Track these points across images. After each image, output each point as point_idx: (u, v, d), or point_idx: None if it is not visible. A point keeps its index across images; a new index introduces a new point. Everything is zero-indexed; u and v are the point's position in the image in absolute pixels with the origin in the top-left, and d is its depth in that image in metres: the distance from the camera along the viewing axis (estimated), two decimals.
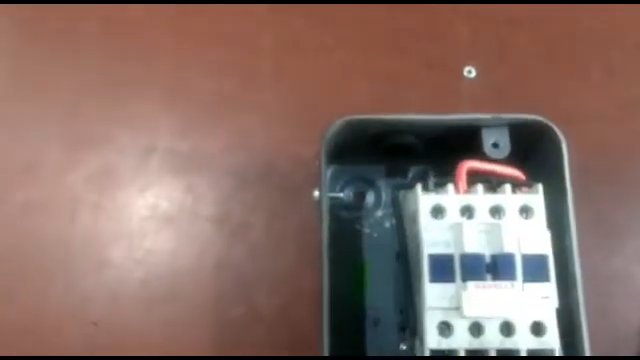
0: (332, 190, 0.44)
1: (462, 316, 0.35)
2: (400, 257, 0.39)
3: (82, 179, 0.49)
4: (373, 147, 0.42)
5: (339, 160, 0.44)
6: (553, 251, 0.36)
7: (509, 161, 0.39)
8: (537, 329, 0.35)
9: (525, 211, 0.36)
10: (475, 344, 0.34)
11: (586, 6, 0.53)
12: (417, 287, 0.36)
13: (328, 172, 0.44)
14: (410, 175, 0.43)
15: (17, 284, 0.47)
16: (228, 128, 0.51)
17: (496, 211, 0.36)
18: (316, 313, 0.37)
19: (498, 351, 0.34)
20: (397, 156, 0.43)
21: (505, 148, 0.40)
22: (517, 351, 0.34)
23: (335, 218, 0.43)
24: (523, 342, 0.34)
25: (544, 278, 0.35)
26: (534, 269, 0.35)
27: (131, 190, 0.50)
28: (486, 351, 0.34)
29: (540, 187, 0.36)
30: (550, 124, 0.39)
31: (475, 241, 0.35)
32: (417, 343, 0.36)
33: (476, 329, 0.35)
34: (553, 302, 0.35)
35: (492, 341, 0.34)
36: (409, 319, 0.37)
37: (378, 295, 0.43)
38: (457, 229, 0.35)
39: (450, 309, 0.35)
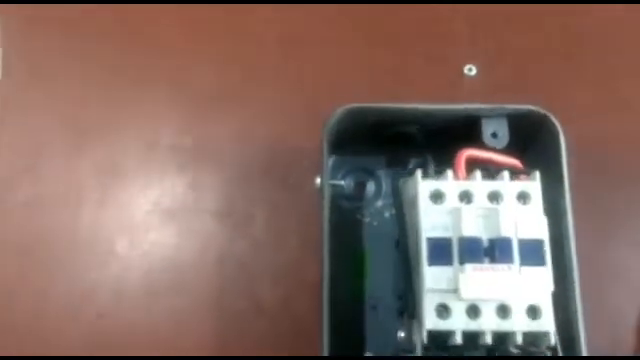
0: (333, 179, 0.45)
1: (459, 298, 0.35)
2: (400, 242, 0.40)
3: (86, 174, 0.50)
4: (374, 137, 0.43)
5: (340, 150, 0.45)
6: (550, 238, 0.37)
7: (508, 151, 0.40)
8: (533, 312, 0.35)
9: (522, 197, 0.37)
10: (472, 326, 0.35)
11: (585, 6, 0.54)
12: (416, 270, 0.37)
13: (329, 162, 0.44)
14: (410, 165, 0.43)
15: (22, 277, 0.48)
16: (230, 123, 0.51)
17: (494, 197, 0.37)
18: (318, 305, 0.38)
19: (494, 333, 0.35)
20: (397, 146, 0.43)
21: (504, 138, 0.40)
22: (513, 333, 0.35)
23: (336, 208, 0.43)
24: (519, 324, 0.35)
25: (540, 262, 0.35)
26: (530, 253, 0.35)
27: (135, 185, 0.50)
28: (482, 333, 0.35)
29: (537, 174, 0.37)
30: (548, 114, 0.40)
31: (473, 225, 0.36)
32: (415, 325, 0.36)
33: (473, 311, 0.35)
34: (549, 286, 0.35)
35: (488, 323, 0.35)
36: (407, 302, 0.37)
37: (377, 282, 0.44)
38: (456, 214, 0.36)
39: (448, 291, 0.35)
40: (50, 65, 0.53)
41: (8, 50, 0.52)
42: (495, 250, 0.35)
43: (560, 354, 0.34)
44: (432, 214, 0.36)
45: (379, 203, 0.45)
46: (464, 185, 0.37)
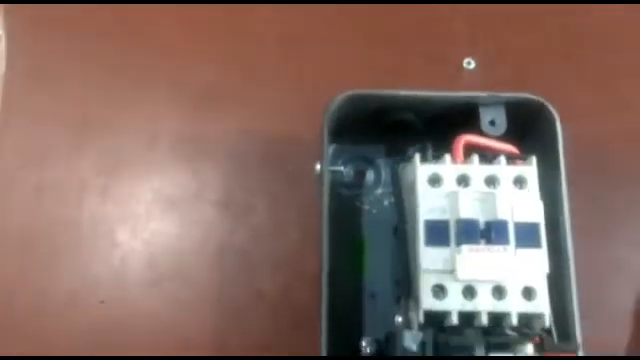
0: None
1: (456, 279, 0.36)
2: (398, 227, 0.40)
3: (90, 164, 0.51)
4: (373, 125, 0.44)
5: (340, 139, 0.45)
6: (546, 224, 0.37)
7: (505, 138, 0.41)
8: (528, 293, 0.36)
9: (519, 182, 0.37)
10: (468, 306, 0.35)
11: (585, 5, 0.54)
12: (413, 252, 0.37)
13: (329, 150, 0.45)
14: (409, 152, 0.44)
15: (26, 266, 0.48)
16: (231, 115, 0.52)
17: (491, 181, 0.37)
18: (318, 293, 0.39)
19: (490, 313, 0.35)
20: (396, 134, 0.44)
21: (502, 125, 0.41)
22: (508, 314, 0.35)
23: (335, 195, 0.44)
24: (514, 305, 0.35)
25: (536, 244, 0.36)
26: (526, 236, 0.36)
27: (137, 175, 0.51)
28: (478, 313, 0.35)
29: (534, 159, 0.37)
30: (545, 102, 0.40)
31: (470, 208, 0.36)
32: (412, 305, 0.37)
33: (469, 292, 0.36)
34: (544, 268, 0.36)
35: (484, 304, 0.35)
36: (405, 285, 0.38)
37: (376, 270, 0.44)
38: (453, 197, 0.37)
39: (444, 272, 0.36)
40: (53, 62, 0.53)
41: (12, 48, 0.53)
42: (491, 232, 0.36)
43: (554, 336, 0.34)
44: (430, 197, 0.37)
45: (378, 191, 0.46)
46: (462, 169, 0.37)
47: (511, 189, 0.37)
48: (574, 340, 0.35)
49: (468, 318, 0.36)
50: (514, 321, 0.35)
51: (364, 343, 0.43)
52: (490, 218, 0.36)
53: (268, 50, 0.54)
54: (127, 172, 0.51)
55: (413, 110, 0.43)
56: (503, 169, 0.37)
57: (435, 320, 0.36)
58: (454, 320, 0.35)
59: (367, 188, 0.46)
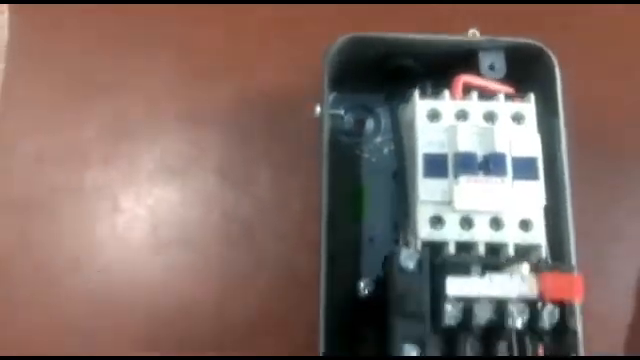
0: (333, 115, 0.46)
1: (453, 210, 0.36)
2: (397, 168, 0.41)
3: (92, 133, 0.51)
4: (373, 71, 0.44)
5: (340, 87, 0.46)
6: (544, 163, 0.38)
7: (504, 83, 0.41)
8: (525, 225, 0.36)
9: (517, 118, 0.38)
10: (465, 236, 0.36)
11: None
12: (411, 186, 0.38)
13: (329, 98, 0.45)
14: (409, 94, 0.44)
15: (28, 230, 0.48)
16: (235, 84, 0.52)
17: (489, 117, 0.38)
18: (320, 263, 0.39)
19: (487, 244, 0.36)
20: (397, 81, 0.44)
21: (501, 70, 0.42)
22: (505, 245, 0.36)
23: (335, 143, 0.44)
24: (511, 236, 0.36)
25: (533, 177, 0.36)
26: (523, 169, 0.37)
27: (139, 144, 0.51)
28: (475, 244, 0.36)
29: (532, 96, 0.38)
30: (544, 47, 0.41)
31: (468, 141, 0.37)
32: (410, 238, 0.37)
33: (466, 223, 0.36)
34: (541, 199, 0.36)
35: (481, 234, 0.36)
36: (403, 220, 0.38)
37: (374, 214, 0.45)
38: (452, 131, 0.37)
39: (442, 203, 0.36)
40: (55, 31, 0.53)
41: (14, 18, 0.53)
42: (489, 164, 0.36)
43: (549, 263, 0.34)
44: (429, 132, 0.37)
45: (378, 139, 0.47)
46: (460, 105, 0.38)
47: (509, 125, 0.38)
48: (569, 263, 0.36)
49: (465, 250, 0.36)
50: (511, 252, 0.36)
51: (362, 284, 0.43)
52: (488, 151, 0.37)
53: (273, 20, 0.53)
54: (129, 141, 0.51)
55: (414, 55, 0.43)
56: (501, 105, 0.38)
57: (432, 254, 0.36)
58: (451, 250, 0.35)
59: (367, 136, 0.47)
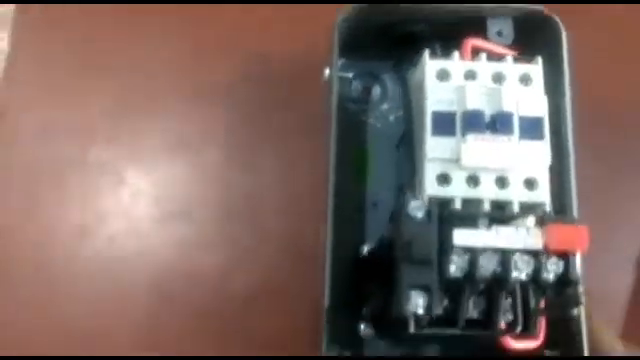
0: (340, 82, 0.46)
1: (460, 168, 0.37)
2: (405, 133, 0.41)
3: (97, 108, 0.51)
4: (381, 40, 0.45)
5: (347, 54, 0.46)
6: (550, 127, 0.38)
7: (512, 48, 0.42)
8: (530, 184, 0.37)
9: (525, 80, 0.38)
10: (471, 193, 0.36)
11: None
12: (419, 144, 0.38)
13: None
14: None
15: (34, 203, 0.49)
16: (240, 59, 0.52)
17: (497, 78, 0.38)
18: (323, 236, 0.40)
19: (491, 204, 0.36)
20: (405, 48, 0.45)
21: (509, 36, 0.42)
22: (510, 202, 0.36)
23: (342, 109, 0.45)
24: (516, 194, 0.36)
25: (539, 136, 0.37)
26: (530, 128, 0.37)
27: (143, 119, 0.52)
28: (481, 201, 0.36)
29: (539, 59, 0.39)
30: (551, 15, 0.42)
31: (477, 100, 0.37)
32: (417, 196, 0.38)
33: (472, 181, 0.37)
34: (546, 159, 0.37)
35: (487, 192, 0.36)
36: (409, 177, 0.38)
37: (378, 180, 0.45)
38: (460, 91, 0.38)
39: (449, 161, 0.37)
40: (60, 6, 0.54)
41: None
42: (496, 123, 0.37)
43: (552, 216, 0.35)
44: (438, 91, 0.38)
45: (384, 106, 0.47)
46: (469, 65, 0.38)
47: (517, 86, 0.38)
48: (571, 215, 0.36)
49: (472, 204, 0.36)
50: (515, 209, 0.36)
51: (365, 248, 0.43)
52: (495, 111, 0.37)
53: None
54: (133, 117, 0.51)
55: (422, 22, 0.44)
56: (509, 67, 0.38)
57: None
58: (457, 205, 0.36)
59: (373, 103, 0.47)
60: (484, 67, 0.38)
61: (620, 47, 0.52)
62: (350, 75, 0.46)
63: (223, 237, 0.48)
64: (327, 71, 0.43)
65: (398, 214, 0.33)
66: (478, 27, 0.43)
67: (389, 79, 0.47)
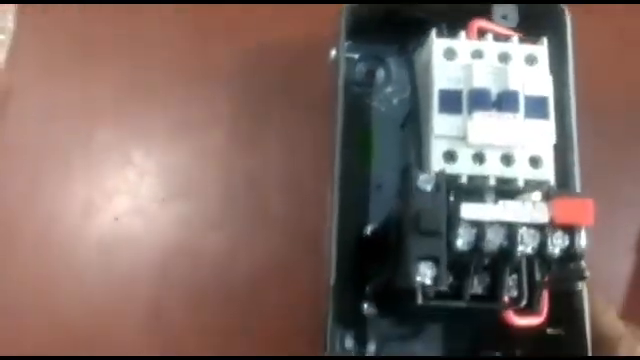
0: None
1: (467, 145, 0.37)
2: (410, 113, 0.42)
3: (104, 89, 0.51)
4: (387, 23, 0.45)
5: (353, 37, 0.46)
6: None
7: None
8: (534, 161, 0.37)
9: (530, 60, 0.39)
10: (477, 170, 0.37)
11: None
12: (426, 122, 0.39)
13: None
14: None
15: (38, 182, 0.49)
16: (241, 43, 0.53)
17: (503, 58, 0.39)
18: (326, 218, 0.40)
19: (496, 185, 0.37)
20: (411, 32, 0.45)
21: (513, 20, 0.43)
22: (515, 180, 0.37)
23: (346, 92, 0.45)
24: (521, 172, 0.37)
25: (544, 116, 0.37)
26: (535, 107, 0.38)
27: (147, 101, 0.52)
28: (487, 178, 0.37)
29: (545, 39, 0.39)
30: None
31: (484, 78, 0.38)
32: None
33: (478, 158, 0.37)
34: (551, 137, 0.37)
35: (493, 169, 0.37)
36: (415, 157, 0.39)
37: (382, 162, 0.46)
38: (467, 69, 0.38)
39: (456, 138, 0.37)
40: None
41: None
42: (502, 102, 0.37)
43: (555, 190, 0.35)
44: (445, 69, 0.38)
45: (388, 89, 0.47)
46: (476, 45, 0.39)
47: (522, 66, 0.39)
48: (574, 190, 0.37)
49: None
50: (520, 185, 0.37)
51: (369, 228, 0.44)
52: (502, 89, 0.38)
53: None
54: (140, 98, 0.52)
55: (428, 6, 0.44)
56: (515, 47, 0.39)
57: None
58: (463, 180, 0.36)
59: (377, 87, 0.48)
60: (490, 47, 0.39)
61: (622, 36, 0.53)
62: (356, 56, 0.46)
63: (227, 218, 0.49)
64: (333, 52, 0.43)
65: (406, 189, 0.33)
66: (483, 12, 0.43)
67: (393, 62, 0.48)
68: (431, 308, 0.36)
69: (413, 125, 0.41)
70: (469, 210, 0.34)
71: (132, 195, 0.49)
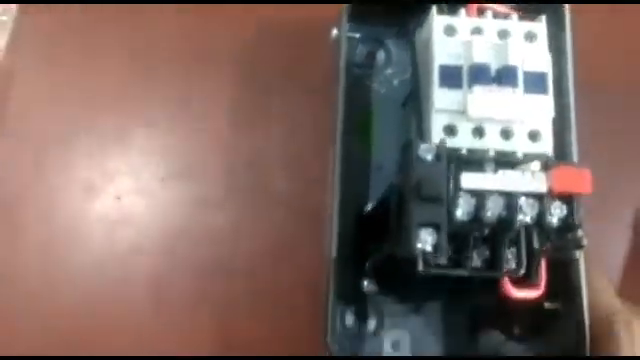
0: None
1: (467, 119, 0.38)
2: (411, 92, 0.42)
3: (106, 72, 0.52)
4: (387, 5, 0.46)
5: (352, 18, 0.47)
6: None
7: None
8: (533, 135, 0.38)
9: (529, 37, 0.40)
10: (476, 144, 0.37)
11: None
12: (426, 98, 0.39)
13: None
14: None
15: (41, 164, 0.50)
16: (244, 22, 0.53)
17: (503, 35, 0.39)
18: (328, 196, 0.41)
19: (496, 155, 0.37)
20: (410, 15, 0.46)
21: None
22: (514, 154, 0.37)
23: (347, 73, 0.46)
24: (520, 145, 0.37)
25: (543, 91, 0.38)
26: (534, 83, 0.38)
27: (148, 83, 0.52)
28: (485, 154, 0.37)
29: (544, 18, 0.40)
30: None
31: (484, 54, 0.38)
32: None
33: (478, 132, 0.38)
34: (550, 112, 0.38)
35: (492, 143, 0.37)
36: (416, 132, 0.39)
37: (382, 143, 0.46)
38: (467, 45, 0.39)
39: (456, 112, 0.38)
40: None
41: None
42: (502, 77, 0.38)
43: (553, 161, 0.36)
44: (445, 45, 0.39)
45: (388, 71, 0.48)
46: (476, 22, 0.40)
47: (521, 43, 0.39)
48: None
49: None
50: (520, 157, 0.37)
51: (369, 205, 0.44)
52: (501, 65, 0.38)
53: None
54: (141, 78, 0.52)
55: None
56: (514, 24, 0.40)
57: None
58: (464, 151, 0.37)
59: (377, 68, 0.48)
60: (490, 24, 0.39)
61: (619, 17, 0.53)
62: (357, 35, 0.46)
63: (228, 197, 0.49)
64: (334, 31, 0.44)
65: (407, 162, 0.34)
66: None
67: (393, 44, 0.48)
68: (431, 281, 0.37)
69: (414, 104, 0.41)
70: (469, 180, 0.34)
71: (134, 175, 0.49)
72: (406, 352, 0.41)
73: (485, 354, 0.42)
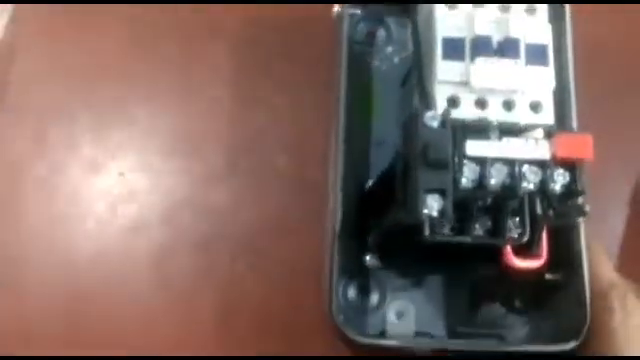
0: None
1: (470, 90, 0.38)
2: (412, 68, 0.43)
3: (109, 47, 0.52)
4: None
5: None
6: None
7: None
8: (535, 107, 0.38)
9: (530, 10, 0.40)
10: (479, 115, 0.38)
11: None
12: (429, 70, 0.40)
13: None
14: None
15: (44, 141, 0.50)
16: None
17: (504, 8, 0.40)
18: (330, 173, 0.42)
19: (500, 123, 0.38)
20: None
21: None
22: (517, 124, 0.38)
23: (348, 50, 0.46)
24: (522, 116, 0.38)
25: (544, 62, 0.39)
26: (536, 54, 0.39)
27: (149, 59, 0.52)
28: (489, 122, 0.38)
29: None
30: None
31: (485, 26, 0.39)
32: None
33: (480, 104, 0.38)
34: (551, 83, 0.38)
35: (495, 114, 0.38)
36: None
37: (383, 119, 0.47)
38: (469, 18, 0.39)
39: (459, 84, 0.38)
40: None
41: None
42: (504, 49, 0.38)
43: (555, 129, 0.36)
44: (447, 18, 0.39)
45: (389, 49, 0.48)
46: None
47: (523, 15, 0.40)
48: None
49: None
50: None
51: (370, 181, 0.45)
52: (503, 37, 0.39)
53: None
54: (142, 54, 0.52)
55: None
56: None
57: None
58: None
59: (378, 46, 0.49)
60: None
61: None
62: (358, 12, 0.46)
63: (230, 172, 0.49)
64: (336, 8, 0.44)
65: (411, 132, 0.34)
66: None
67: (393, 22, 0.48)
68: (432, 254, 0.37)
69: (418, 79, 0.42)
70: (473, 147, 0.35)
71: (136, 151, 0.49)
72: (410, 322, 0.42)
73: (487, 327, 0.43)
